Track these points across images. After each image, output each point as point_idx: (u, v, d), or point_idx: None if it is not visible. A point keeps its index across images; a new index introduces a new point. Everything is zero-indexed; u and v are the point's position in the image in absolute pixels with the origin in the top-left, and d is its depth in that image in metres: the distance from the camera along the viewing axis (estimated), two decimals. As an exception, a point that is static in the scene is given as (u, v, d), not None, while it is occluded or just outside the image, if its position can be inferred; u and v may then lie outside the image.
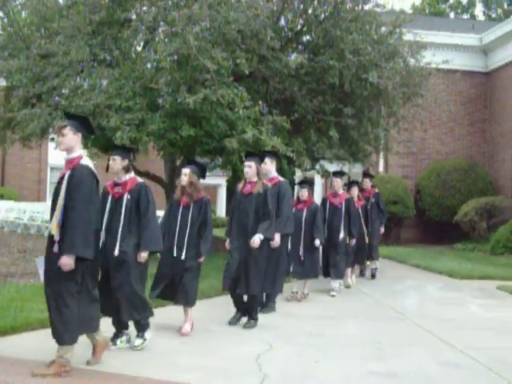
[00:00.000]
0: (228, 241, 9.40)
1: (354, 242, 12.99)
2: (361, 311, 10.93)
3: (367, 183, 15.34)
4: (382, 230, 15.49)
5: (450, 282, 15.15)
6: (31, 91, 15.50)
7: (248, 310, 9.21)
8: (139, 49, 15.87)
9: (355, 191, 13.84)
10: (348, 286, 13.44)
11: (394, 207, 23.23)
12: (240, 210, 9.13)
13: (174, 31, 13.53)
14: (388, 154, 22.07)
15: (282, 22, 15.87)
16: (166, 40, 13.90)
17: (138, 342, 7.55)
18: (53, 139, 17.83)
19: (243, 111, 13.54)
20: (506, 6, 50.39)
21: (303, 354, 7.69)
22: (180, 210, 8.57)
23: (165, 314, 9.05)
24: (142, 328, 7.59)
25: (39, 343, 7.31)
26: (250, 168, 9.12)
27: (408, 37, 16.47)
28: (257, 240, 8.82)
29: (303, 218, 11.47)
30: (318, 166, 18.11)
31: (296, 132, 15.85)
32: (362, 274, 15.37)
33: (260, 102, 14.13)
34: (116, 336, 7.67)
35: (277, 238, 9.65)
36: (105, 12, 15.16)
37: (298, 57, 14.91)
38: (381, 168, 26.56)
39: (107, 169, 7.64)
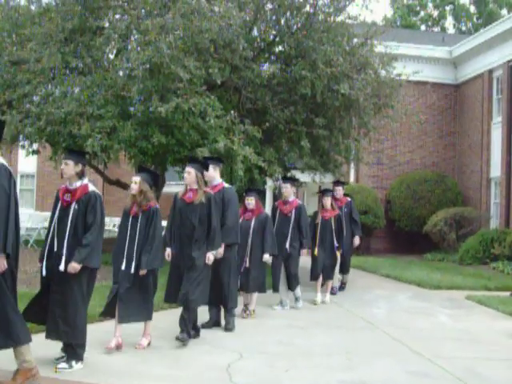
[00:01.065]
0: (168, 251, 8.73)
1: (304, 252, 11.92)
2: (330, 321, 10.95)
3: (339, 191, 14.22)
4: (357, 241, 14.50)
5: (420, 291, 15.24)
6: (2, 98, 15.36)
7: (181, 322, 8.45)
8: (112, 57, 15.84)
9: (328, 201, 12.73)
10: (314, 303, 12.46)
11: (364, 217, 23.27)
12: (182, 218, 8.62)
13: (147, 40, 13.53)
14: (359, 164, 22.20)
15: (255, 32, 15.95)
16: (139, 48, 13.89)
17: (62, 365, 6.91)
18: (23, 146, 17.68)
19: (215, 120, 13.55)
20: (475, 20, 51.00)
21: (273, 363, 7.70)
22: (130, 221, 8.09)
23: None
24: (73, 355, 6.97)
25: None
26: (188, 174, 8.66)
27: (379, 49, 16.61)
28: (211, 257, 8.55)
29: (251, 229, 10.61)
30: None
31: (267, 142, 15.90)
32: (332, 292, 13.51)
33: (232, 112, 14.15)
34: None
35: (220, 249, 9.17)
36: (77, 19, 15.13)
37: (270, 67, 14.99)
38: (351, 178, 26.68)
39: (62, 174, 7.24)
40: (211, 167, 9.46)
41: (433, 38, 31.92)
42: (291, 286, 11.83)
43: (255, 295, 10.80)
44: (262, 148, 15.20)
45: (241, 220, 10.37)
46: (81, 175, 7.16)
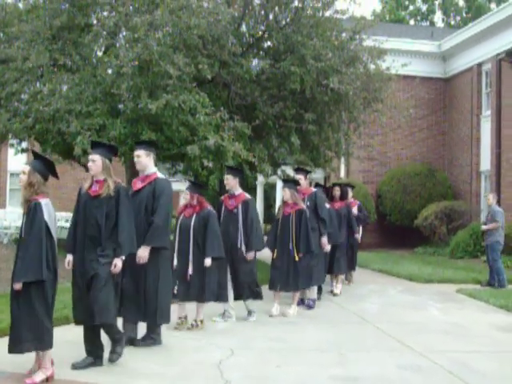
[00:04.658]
0: (69, 258, 7.13)
1: (250, 255, 10.07)
2: (322, 316, 10.94)
3: (301, 180, 11.68)
4: (325, 242, 11.77)
5: (411, 285, 15.29)
6: (-10, 97, 15.32)
7: (108, 335, 7.14)
8: (100, 54, 15.78)
9: (286, 193, 10.84)
10: (270, 314, 10.64)
11: (355, 212, 23.39)
12: (86, 216, 7.05)
13: (136, 37, 13.48)
14: (349, 159, 22.22)
15: (244, 27, 15.91)
16: (128, 45, 13.85)
17: None
18: (12, 145, 17.64)
19: (204, 117, 13.50)
20: (464, 14, 51.08)
21: (265, 359, 7.70)
22: (23, 219, 6.57)
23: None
24: None
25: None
26: (93, 163, 7.13)
27: (368, 43, 16.61)
28: (119, 263, 6.94)
29: (191, 228, 9.24)
30: (279, 172, 18.15)
31: (257, 138, 15.86)
32: (308, 305, 11.65)
33: (221, 108, 14.11)
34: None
35: (143, 252, 7.77)
36: (65, 17, 15.07)
37: (260, 62, 14.96)
38: (342, 173, 26.72)
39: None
40: (143, 153, 8.17)
41: (422, 32, 31.97)
42: (239, 296, 10.16)
43: (201, 305, 9.39)
44: (252, 144, 15.17)
45: (181, 218, 9.42)
46: None
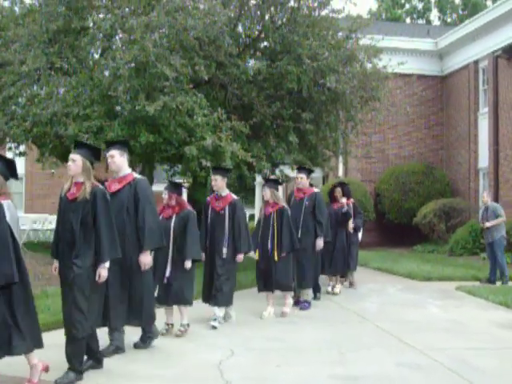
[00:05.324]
0: (56, 264, 6.86)
1: (240, 258, 9.86)
2: (321, 315, 10.95)
3: (302, 180, 11.77)
4: (320, 243, 11.59)
5: (410, 283, 15.30)
6: (-13, 101, 15.31)
7: (67, 355, 6.56)
8: (97, 56, 15.79)
9: (266, 192, 10.57)
10: (261, 317, 10.47)
11: (353, 211, 23.42)
12: (64, 221, 6.70)
13: (133, 38, 13.49)
14: (347, 157, 22.24)
15: (240, 28, 15.93)
16: (124, 48, 13.85)
17: None
18: (10, 149, 17.64)
19: (202, 118, 13.50)
20: (460, 12, 51.14)
21: (264, 359, 7.70)
22: None
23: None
24: None
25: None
26: (73, 162, 6.70)
27: (364, 41, 16.63)
28: (103, 273, 6.58)
29: (171, 229, 8.88)
30: (277, 172, 18.15)
31: (255, 138, 15.87)
32: (301, 307, 11.48)
33: (219, 109, 14.11)
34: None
35: (145, 257, 7.64)
36: (61, 20, 15.07)
37: (256, 63, 14.97)
38: (340, 172, 26.73)
39: None
40: (117, 153, 7.79)
41: (418, 30, 31.98)
42: (215, 301, 9.67)
43: (184, 308, 9.00)
44: (250, 144, 15.18)
45: (161, 218, 8.75)
46: None
